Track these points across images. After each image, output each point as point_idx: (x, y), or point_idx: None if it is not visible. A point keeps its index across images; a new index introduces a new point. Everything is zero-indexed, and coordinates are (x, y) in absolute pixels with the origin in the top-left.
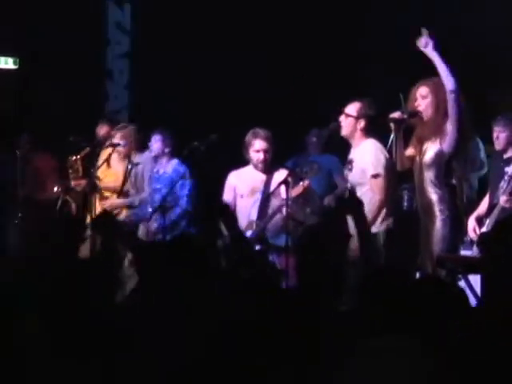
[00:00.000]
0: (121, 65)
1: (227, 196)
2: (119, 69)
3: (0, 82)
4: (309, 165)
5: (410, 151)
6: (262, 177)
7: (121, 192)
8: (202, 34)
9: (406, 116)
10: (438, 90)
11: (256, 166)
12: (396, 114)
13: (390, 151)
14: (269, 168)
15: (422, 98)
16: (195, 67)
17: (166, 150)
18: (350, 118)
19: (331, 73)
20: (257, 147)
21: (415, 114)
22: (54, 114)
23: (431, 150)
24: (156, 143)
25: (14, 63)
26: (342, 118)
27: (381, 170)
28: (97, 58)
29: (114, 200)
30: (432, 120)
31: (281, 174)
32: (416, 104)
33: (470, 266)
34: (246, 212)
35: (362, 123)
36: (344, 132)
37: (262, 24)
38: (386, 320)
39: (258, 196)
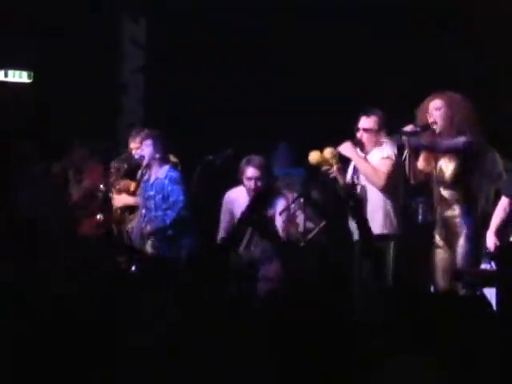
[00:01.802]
0: (135, 79)
1: (225, 217)
2: (134, 83)
3: (14, 96)
4: (289, 178)
5: (421, 164)
6: None
7: (133, 192)
8: (217, 48)
9: (418, 129)
10: (452, 103)
11: (249, 194)
12: (409, 128)
13: (403, 164)
14: (264, 196)
15: (436, 110)
16: (210, 81)
17: (157, 156)
18: (371, 132)
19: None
20: (249, 175)
21: (428, 127)
22: (68, 128)
23: (451, 166)
24: (147, 148)
25: (28, 77)
26: (361, 134)
27: (393, 155)
28: (111, 71)
29: (124, 197)
30: (447, 134)
31: (280, 205)
32: (429, 116)
33: (486, 279)
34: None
35: (382, 135)
36: (365, 148)
37: (274, 37)
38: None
39: None
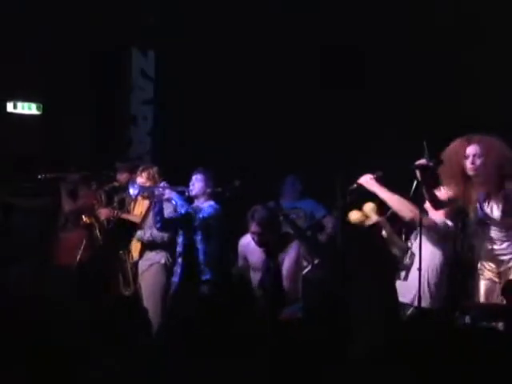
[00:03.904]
0: (144, 111)
1: (241, 263)
2: (143, 115)
3: (24, 127)
4: (295, 212)
5: (444, 194)
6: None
7: (139, 227)
8: (224, 81)
9: (431, 164)
10: (489, 148)
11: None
12: (422, 162)
13: (413, 198)
14: (270, 247)
15: (474, 157)
16: (217, 114)
17: (208, 191)
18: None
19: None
20: (252, 229)
21: (441, 162)
22: (79, 159)
23: (497, 207)
24: (198, 183)
25: (38, 109)
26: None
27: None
28: (121, 103)
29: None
30: (487, 176)
31: (292, 251)
32: (466, 160)
33: (494, 313)
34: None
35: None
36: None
37: (276, 70)
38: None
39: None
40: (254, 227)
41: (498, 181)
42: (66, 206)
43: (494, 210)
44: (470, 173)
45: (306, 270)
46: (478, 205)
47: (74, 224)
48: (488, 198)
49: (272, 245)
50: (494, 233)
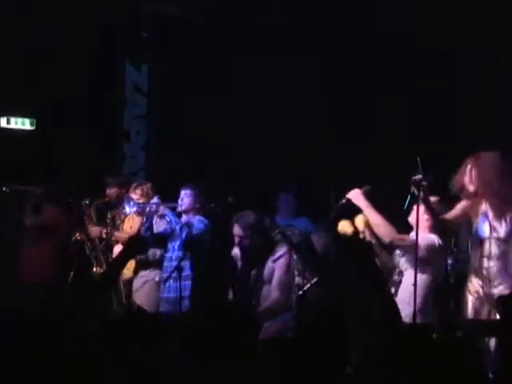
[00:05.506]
0: (138, 126)
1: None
2: (136, 130)
3: (17, 143)
4: (290, 229)
5: (454, 216)
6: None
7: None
8: (217, 96)
9: (425, 183)
10: (479, 163)
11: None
12: (417, 177)
13: (407, 211)
14: (252, 253)
15: (469, 172)
16: (211, 128)
17: (196, 206)
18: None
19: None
20: (235, 232)
21: (435, 178)
22: (72, 175)
23: (504, 223)
24: (186, 198)
25: (31, 124)
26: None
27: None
28: (114, 119)
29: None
30: (489, 190)
31: (280, 264)
32: (465, 177)
33: (487, 328)
34: None
35: None
36: None
37: (276, 84)
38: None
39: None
40: (236, 230)
41: (506, 196)
42: (27, 221)
43: (501, 226)
44: (470, 188)
45: (304, 290)
46: (482, 218)
47: (34, 239)
48: (496, 212)
49: (255, 251)
50: (494, 248)
